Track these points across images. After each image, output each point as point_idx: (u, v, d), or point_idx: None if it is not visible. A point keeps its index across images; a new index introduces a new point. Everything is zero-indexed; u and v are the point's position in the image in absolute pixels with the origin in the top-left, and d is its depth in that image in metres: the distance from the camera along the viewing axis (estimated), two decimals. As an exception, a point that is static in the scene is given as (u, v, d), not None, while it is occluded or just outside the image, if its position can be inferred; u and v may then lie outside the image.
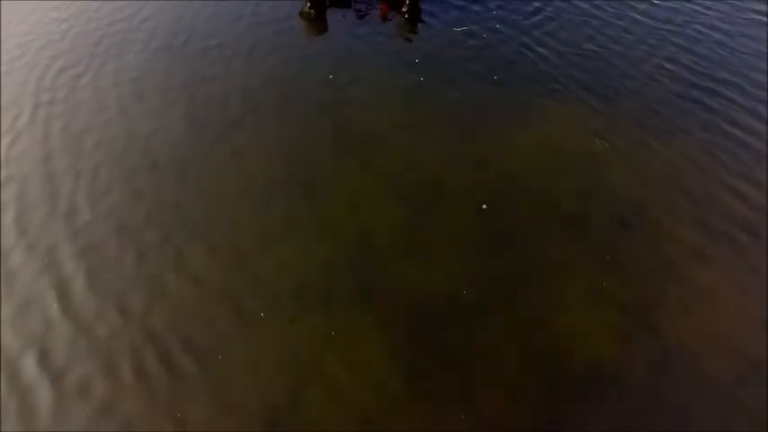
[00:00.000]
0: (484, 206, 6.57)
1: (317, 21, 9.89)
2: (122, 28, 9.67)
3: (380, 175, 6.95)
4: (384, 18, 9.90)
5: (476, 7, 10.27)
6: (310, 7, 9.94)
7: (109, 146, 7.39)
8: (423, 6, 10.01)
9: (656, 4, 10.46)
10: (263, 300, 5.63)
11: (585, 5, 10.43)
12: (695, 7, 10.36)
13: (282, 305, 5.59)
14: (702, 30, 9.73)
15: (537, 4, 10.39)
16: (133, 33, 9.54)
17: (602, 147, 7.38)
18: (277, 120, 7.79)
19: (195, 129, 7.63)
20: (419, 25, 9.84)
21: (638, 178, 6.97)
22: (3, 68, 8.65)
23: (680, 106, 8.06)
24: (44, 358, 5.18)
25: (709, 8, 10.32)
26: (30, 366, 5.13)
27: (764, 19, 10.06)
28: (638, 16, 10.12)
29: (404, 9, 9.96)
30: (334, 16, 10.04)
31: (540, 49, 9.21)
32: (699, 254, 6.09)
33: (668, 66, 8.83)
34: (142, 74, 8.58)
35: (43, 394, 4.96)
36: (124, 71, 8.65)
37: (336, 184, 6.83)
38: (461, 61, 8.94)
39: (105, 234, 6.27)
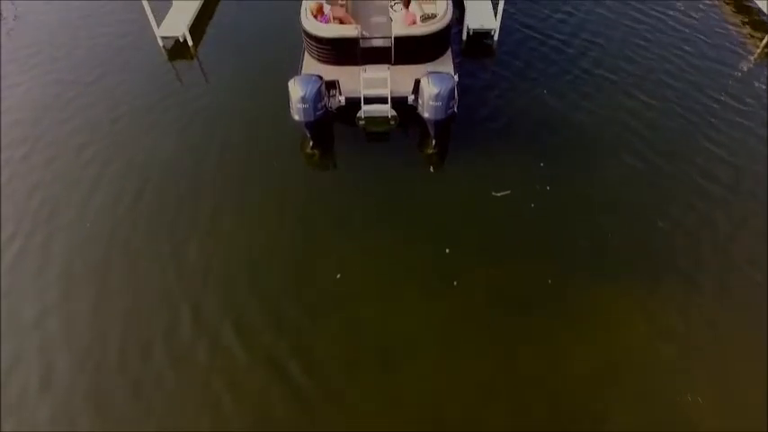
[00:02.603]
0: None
1: (320, 159, 9.20)
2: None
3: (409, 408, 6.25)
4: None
5: (518, 160, 8.96)
6: (313, 147, 9.13)
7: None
8: (452, 145, 9.27)
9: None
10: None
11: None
12: None
13: None
14: None
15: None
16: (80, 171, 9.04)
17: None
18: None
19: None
20: (448, 176, 8.84)
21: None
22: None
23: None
24: None
25: None
26: None
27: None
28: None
29: (430, 149, 9.10)
30: (340, 146, 9.49)
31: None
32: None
33: None
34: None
35: None
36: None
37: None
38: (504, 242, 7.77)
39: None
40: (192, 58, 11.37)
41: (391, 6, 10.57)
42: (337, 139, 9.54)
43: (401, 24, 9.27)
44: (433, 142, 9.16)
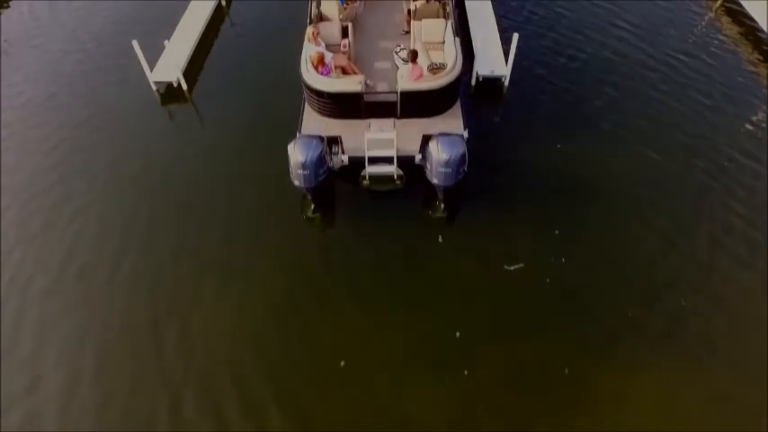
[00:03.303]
0: None
1: (321, 221, 8.69)
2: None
3: None
4: None
5: (532, 226, 8.42)
6: (315, 210, 8.64)
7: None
8: (461, 207, 8.78)
9: None
10: None
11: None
12: None
13: None
14: None
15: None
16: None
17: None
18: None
19: None
20: (458, 245, 8.18)
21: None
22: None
23: None
24: None
25: None
26: None
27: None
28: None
29: (438, 213, 8.62)
30: (342, 207, 8.95)
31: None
32: None
33: None
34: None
35: None
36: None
37: None
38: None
39: None
40: (186, 101, 10.83)
41: (396, 53, 10.02)
42: (339, 198, 9.02)
43: (407, 79, 8.73)
44: (442, 206, 8.68)
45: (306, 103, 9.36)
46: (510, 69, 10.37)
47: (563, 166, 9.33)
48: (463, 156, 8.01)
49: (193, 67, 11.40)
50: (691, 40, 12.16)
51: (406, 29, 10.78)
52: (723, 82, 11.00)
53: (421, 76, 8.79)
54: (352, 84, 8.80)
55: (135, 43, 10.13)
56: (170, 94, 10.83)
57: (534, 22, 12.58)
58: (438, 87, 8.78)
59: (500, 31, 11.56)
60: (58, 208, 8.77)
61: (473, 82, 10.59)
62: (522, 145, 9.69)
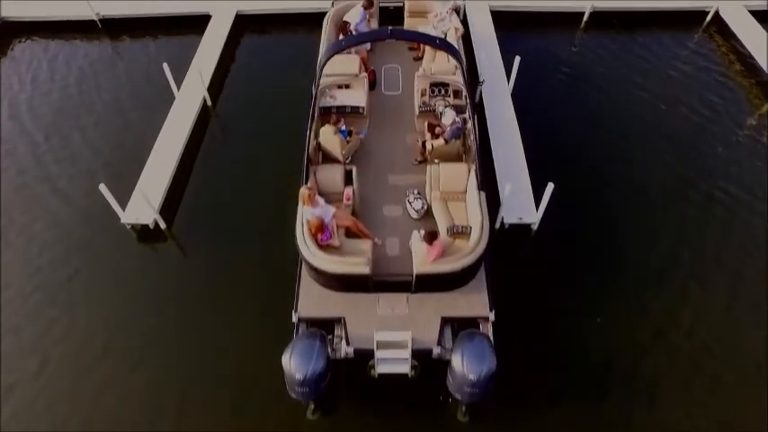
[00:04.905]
0: None
1: (321, 418, 7.35)
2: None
3: None
4: None
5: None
6: (314, 411, 7.31)
7: None
8: (488, 410, 7.28)
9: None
10: None
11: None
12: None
13: None
14: None
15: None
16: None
17: None
18: None
19: None
20: None
21: None
22: None
23: None
24: None
25: None
26: None
27: None
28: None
29: (460, 416, 7.23)
30: (345, 400, 7.57)
31: None
32: None
33: None
34: None
35: None
36: None
37: None
38: None
39: None
40: (166, 240, 9.42)
41: (410, 202, 8.56)
42: (342, 386, 7.53)
43: (424, 260, 7.31)
44: (464, 408, 7.31)
45: (302, 270, 7.97)
46: (541, 216, 8.92)
47: (606, 350, 7.91)
48: (492, 372, 6.59)
49: (172, 204, 9.84)
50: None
51: (418, 158, 9.31)
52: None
53: (440, 255, 7.37)
54: (357, 266, 7.36)
55: (102, 186, 8.69)
56: (146, 234, 9.40)
57: (568, 165, 10.35)
58: (460, 269, 7.38)
59: (529, 167, 9.86)
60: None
61: (497, 225, 9.14)
62: (558, 320, 8.20)
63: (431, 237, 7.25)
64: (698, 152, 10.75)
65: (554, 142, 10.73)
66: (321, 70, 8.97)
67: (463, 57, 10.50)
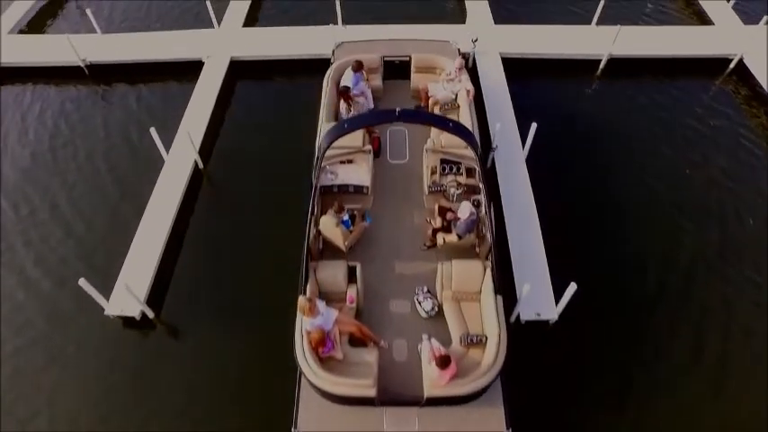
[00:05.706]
0: None
1: None
2: None
3: None
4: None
5: None
6: None
7: None
8: None
9: None
10: None
11: None
12: None
13: None
14: None
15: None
16: None
17: None
18: None
19: None
20: None
21: None
22: None
23: None
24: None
25: None
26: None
27: None
28: None
29: None
30: None
31: None
32: None
33: None
34: None
35: None
36: None
37: None
38: None
39: None
40: (155, 327, 8.70)
41: (419, 302, 7.82)
42: None
43: (436, 383, 6.60)
44: None
45: (302, 380, 7.25)
46: (561, 310, 8.19)
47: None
48: None
49: (160, 289, 9.04)
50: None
51: (428, 243, 8.57)
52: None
53: (453, 377, 6.66)
54: (363, 387, 6.64)
55: (83, 281, 7.94)
56: (132, 323, 8.65)
57: (590, 254, 9.50)
58: (474, 391, 6.67)
59: (548, 256, 9.00)
60: None
61: (512, 319, 8.41)
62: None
63: (443, 362, 6.53)
64: (728, 225, 9.97)
65: (573, 222, 9.89)
66: (323, 155, 8.19)
67: (475, 119, 9.81)
